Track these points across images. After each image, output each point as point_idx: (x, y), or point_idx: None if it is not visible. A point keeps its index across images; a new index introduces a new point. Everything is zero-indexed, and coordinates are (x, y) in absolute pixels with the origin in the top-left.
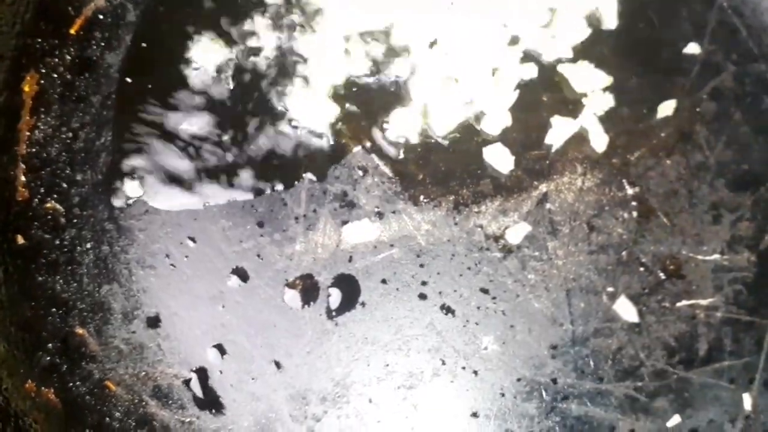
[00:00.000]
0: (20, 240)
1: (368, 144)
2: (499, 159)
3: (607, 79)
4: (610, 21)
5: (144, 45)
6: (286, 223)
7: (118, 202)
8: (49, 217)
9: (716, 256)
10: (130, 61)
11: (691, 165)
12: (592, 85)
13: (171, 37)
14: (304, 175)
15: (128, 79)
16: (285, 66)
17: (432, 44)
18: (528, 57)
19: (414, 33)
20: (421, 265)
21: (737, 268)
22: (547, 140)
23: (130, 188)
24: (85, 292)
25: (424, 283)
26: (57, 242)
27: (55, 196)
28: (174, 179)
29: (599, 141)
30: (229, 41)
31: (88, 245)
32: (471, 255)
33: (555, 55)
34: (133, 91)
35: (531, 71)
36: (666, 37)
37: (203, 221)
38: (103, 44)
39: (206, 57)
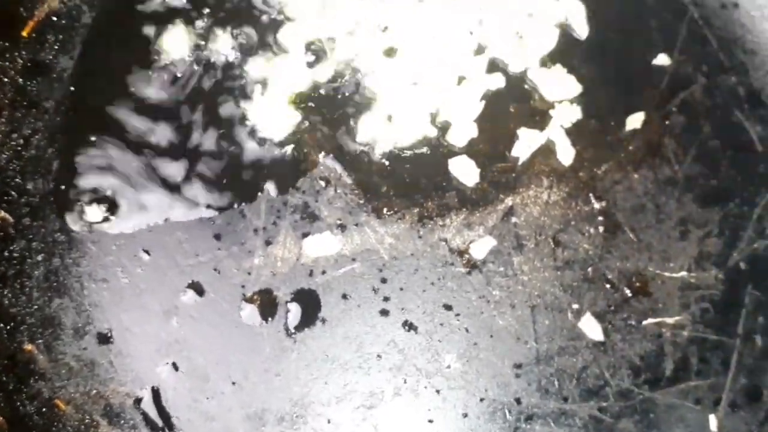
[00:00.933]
0: None
1: (331, 154)
2: (465, 171)
3: (578, 87)
4: (580, 30)
5: (99, 48)
6: (244, 236)
7: (75, 225)
8: None
9: (683, 274)
10: (84, 65)
11: (659, 179)
12: (562, 92)
13: (127, 40)
14: (264, 186)
15: (81, 84)
16: (245, 73)
17: (394, 51)
18: (495, 66)
19: (378, 39)
20: (384, 280)
21: (704, 285)
22: (514, 152)
23: (91, 212)
24: (35, 307)
25: (386, 299)
26: (5, 254)
27: (4, 205)
28: (132, 195)
29: (566, 154)
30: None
31: (39, 257)
32: (435, 270)
33: (523, 65)
34: (88, 96)
35: (498, 81)
36: (636, 48)
37: (158, 233)
38: (56, 47)
39: (173, 47)
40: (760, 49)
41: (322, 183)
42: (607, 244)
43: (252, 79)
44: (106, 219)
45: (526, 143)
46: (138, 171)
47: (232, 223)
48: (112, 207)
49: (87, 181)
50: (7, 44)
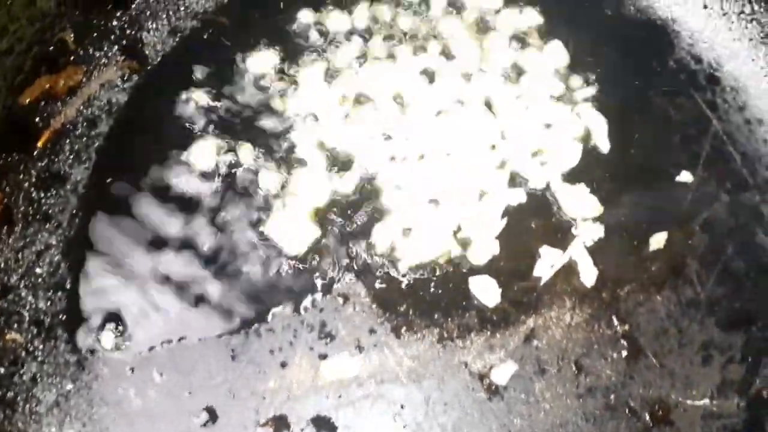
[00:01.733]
0: None
1: (349, 270)
2: (486, 290)
3: (599, 207)
4: (603, 145)
5: (115, 157)
6: (260, 357)
7: (87, 347)
8: (8, 349)
9: (705, 401)
10: (100, 175)
11: (681, 301)
12: (584, 210)
13: (145, 147)
14: (281, 304)
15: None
16: (264, 187)
17: (415, 164)
18: (516, 181)
19: (398, 152)
20: (403, 406)
21: (727, 414)
22: (536, 272)
23: (105, 338)
24: None
25: (405, 426)
26: (15, 378)
27: (15, 325)
28: (146, 313)
29: (588, 274)
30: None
31: (50, 381)
32: (455, 395)
33: (544, 181)
34: (102, 207)
35: (519, 196)
36: (658, 164)
37: (172, 354)
38: (71, 157)
39: (200, 159)
40: None
41: (340, 300)
42: (629, 369)
43: (271, 193)
44: (118, 345)
45: (548, 262)
46: (153, 288)
47: (248, 343)
48: (125, 328)
49: (100, 300)
50: (21, 156)
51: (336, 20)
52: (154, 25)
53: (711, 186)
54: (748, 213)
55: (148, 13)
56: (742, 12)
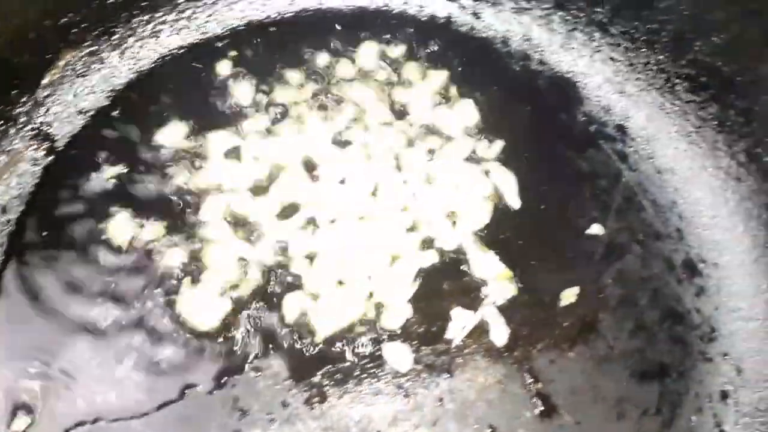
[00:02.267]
0: None
1: (261, 341)
2: (398, 356)
3: (507, 272)
4: (513, 202)
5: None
6: None
7: None
8: None
9: None
10: (12, 260)
11: (594, 356)
12: (492, 273)
13: (57, 232)
14: (195, 380)
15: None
16: (173, 263)
17: (324, 231)
18: (428, 243)
19: (307, 221)
20: None
21: None
22: (448, 334)
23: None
24: None
25: None
26: None
27: None
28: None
29: (500, 334)
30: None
31: None
32: None
33: (456, 241)
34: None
35: (431, 258)
36: (569, 219)
37: None
38: None
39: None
40: (696, 215)
41: (253, 374)
42: (543, 428)
43: (181, 270)
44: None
45: (459, 324)
46: (63, 370)
47: (162, 422)
48: (35, 411)
49: (10, 384)
50: None
51: (244, 90)
52: (61, 107)
53: (623, 238)
54: (661, 263)
55: (54, 95)
56: (648, 62)
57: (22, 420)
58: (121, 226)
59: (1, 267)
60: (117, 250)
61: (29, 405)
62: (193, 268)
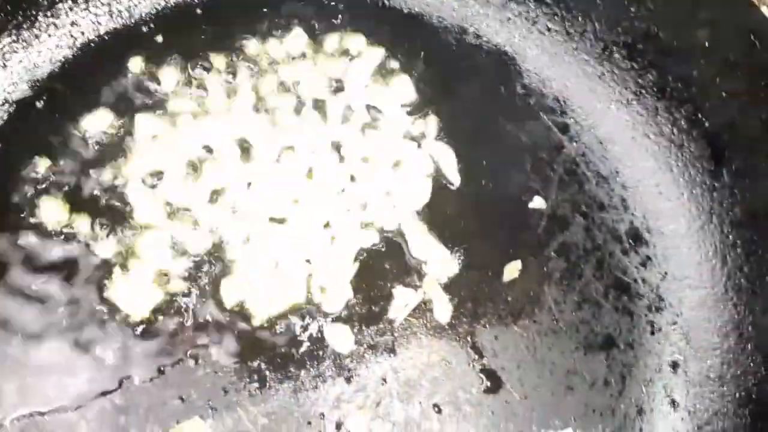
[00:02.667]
0: None
1: (198, 328)
2: (340, 338)
3: (446, 253)
4: (453, 179)
5: None
6: (111, 427)
7: None
8: None
9: (569, 430)
10: None
11: (540, 330)
12: (432, 254)
13: None
14: (130, 370)
15: None
16: (104, 252)
17: (261, 215)
18: (368, 223)
19: (243, 203)
20: None
21: None
22: (390, 314)
23: None
24: None
25: None
26: None
27: None
28: None
29: (443, 311)
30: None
31: None
32: None
33: (396, 221)
34: None
35: (371, 238)
36: (510, 193)
37: (23, 429)
38: None
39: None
40: (639, 184)
41: (191, 362)
42: (489, 404)
43: (111, 259)
44: None
45: (402, 303)
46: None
47: (99, 413)
48: None
49: None
50: None
51: (169, 73)
52: None
53: (565, 210)
54: (605, 234)
55: None
56: (585, 31)
57: None
58: (51, 212)
59: None
60: (48, 236)
61: None
62: (125, 257)
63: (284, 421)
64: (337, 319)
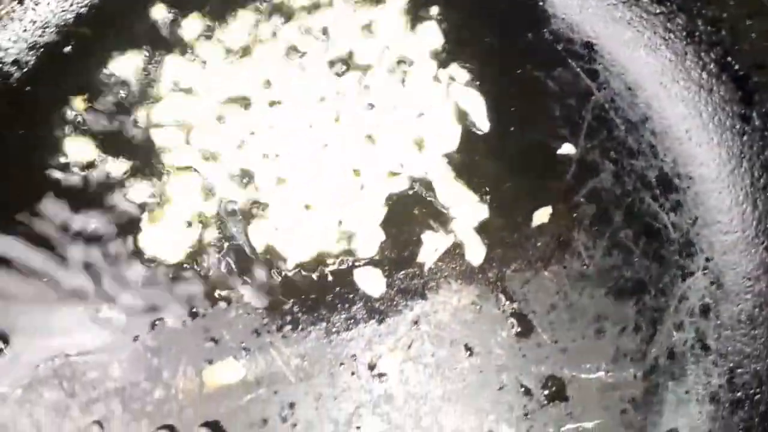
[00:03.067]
0: None
1: (230, 271)
2: (371, 281)
3: (475, 198)
4: (482, 124)
5: None
6: (146, 367)
7: None
8: None
9: (600, 374)
10: None
11: (570, 275)
12: (460, 200)
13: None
14: (162, 312)
15: None
16: (138, 195)
17: (293, 160)
18: (397, 169)
19: (274, 149)
20: (292, 405)
21: (623, 385)
22: (420, 258)
23: None
24: None
25: (295, 425)
26: None
27: None
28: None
29: (476, 253)
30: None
31: None
32: (346, 389)
33: (425, 166)
34: None
35: (400, 184)
36: (539, 139)
37: (59, 371)
38: None
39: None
40: (669, 130)
41: (223, 305)
42: (520, 347)
43: (144, 203)
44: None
45: (431, 247)
46: (34, 306)
47: (133, 354)
48: (7, 347)
49: None
50: None
51: (194, 19)
52: (12, 43)
53: (595, 156)
54: (635, 180)
55: (4, 31)
56: None
57: None
58: (81, 151)
59: None
60: (81, 178)
61: (4, 335)
62: (157, 201)
63: (317, 362)
64: (368, 262)
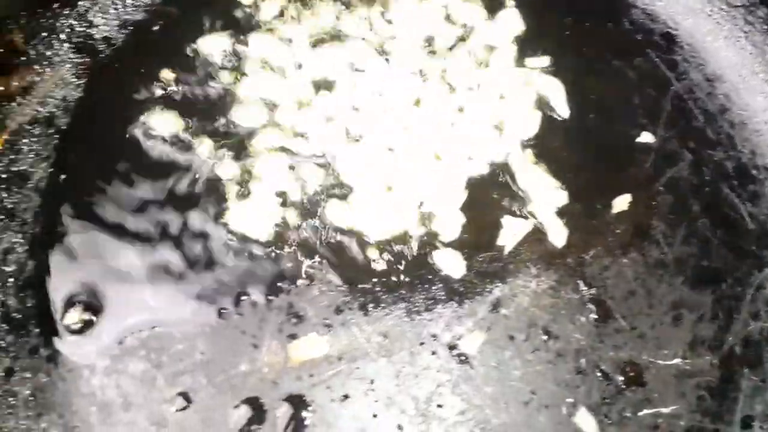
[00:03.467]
0: None
1: (314, 251)
2: (451, 263)
3: (555, 184)
4: (562, 111)
5: (75, 153)
6: (231, 341)
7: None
8: None
9: (677, 361)
10: (61, 172)
11: (648, 263)
12: (542, 186)
13: (104, 141)
14: (248, 288)
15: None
16: (225, 174)
17: (374, 142)
18: (476, 153)
19: (355, 131)
20: (373, 381)
21: (699, 372)
22: (499, 241)
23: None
24: (22, 426)
25: (377, 401)
26: None
27: None
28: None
29: (558, 236)
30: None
31: (24, 375)
32: (426, 367)
33: (505, 151)
34: (66, 203)
35: (480, 168)
36: (619, 127)
37: (145, 342)
38: (31, 156)
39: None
40: (747, 121)
41: (307, 281)
42: (598, 333)
43: (231, 181)
44: (88, 325)
45: (511, 231)
46: (122, 279)
47: (218, 327)
48: (97, 319)
49: (70, 293)
50: None
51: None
52: (103, 20)
53: (673, 146)
54: (713, 170)
55: (95, 8)
56: None
57: (82, 315)
58: (167, 124)
59: (49, 182)
60: (171, 154)
61: (95, 305)
62: (244, 179)
63: (398, 340)
64: (448, 245)
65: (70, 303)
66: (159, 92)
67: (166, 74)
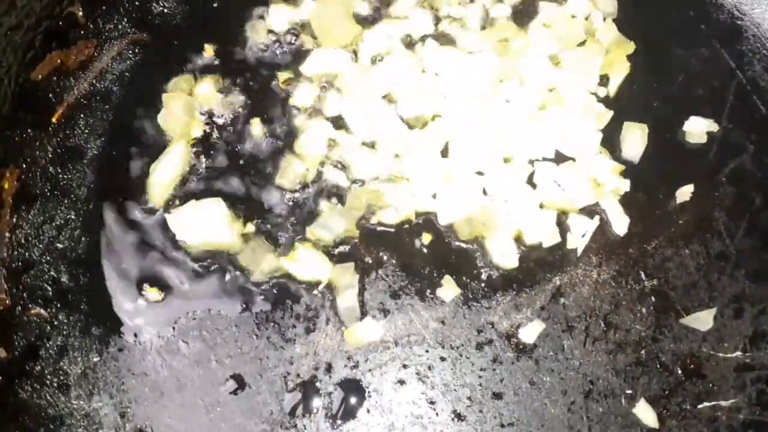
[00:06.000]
0: (2, 353)
1: (371, 235)
2: (506, 253)
3: (618, 169)
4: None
5: (130, 128)
6: (285, 324)
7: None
8: (33, 324)
9: (738, 354)
10: (116, 147)
11: (710, 254)
12: (605, 173)
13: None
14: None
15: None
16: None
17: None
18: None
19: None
20: (430, 368)
21: (759, 366)
22: (570, 245)
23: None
24: (74, 405)
25: (432, 387)
26: (42, 352)
27: (39, 301)
28: (174, 286)
29: (620, 223)
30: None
31: (76, 354)
32: (483, 356)
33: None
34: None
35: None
36: (681, 116)
37: (199, 323)
38: (86, 132)
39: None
40: None
41: (363, 266)
42: (659, 324)
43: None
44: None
45: (579, 231)
46: (176, 260)
47: (273, 311)
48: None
49: (123, 273)
50: (36, 132)
51: None
52: None
53: (737, 137)
54: None
55: None
56: None
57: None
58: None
59: (105, 157)
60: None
61: (156, 284)
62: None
63: (454, 326)
64: (506, 234)
65: (126, 282)
66: (203, 65)
67: (209, 51)
